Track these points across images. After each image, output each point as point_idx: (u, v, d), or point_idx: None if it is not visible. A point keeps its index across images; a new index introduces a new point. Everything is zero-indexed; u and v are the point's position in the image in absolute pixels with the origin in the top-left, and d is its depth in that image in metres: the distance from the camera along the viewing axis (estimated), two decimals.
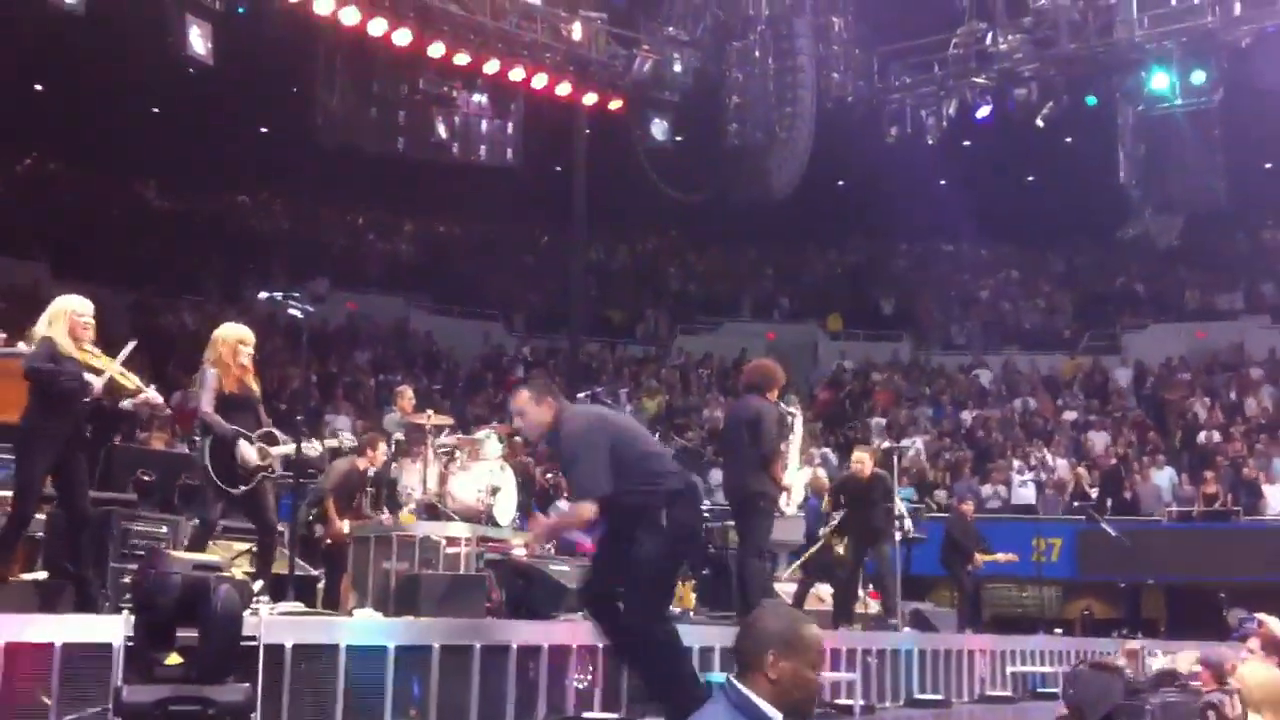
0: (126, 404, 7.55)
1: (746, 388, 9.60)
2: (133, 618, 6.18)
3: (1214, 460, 21.57)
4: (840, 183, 27.27)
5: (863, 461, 12.47)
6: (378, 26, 17.21)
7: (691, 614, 10.97)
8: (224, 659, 6.11)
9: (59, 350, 7.16)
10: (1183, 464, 21.95)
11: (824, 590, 12.49)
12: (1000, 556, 14.51)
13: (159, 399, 7.74)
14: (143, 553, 7.53)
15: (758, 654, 3.43)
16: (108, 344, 7.60)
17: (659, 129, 21.51)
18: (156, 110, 23.75)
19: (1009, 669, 12.74)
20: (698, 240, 31.47)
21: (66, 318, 7.26)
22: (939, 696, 11.35)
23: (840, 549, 11.96)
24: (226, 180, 27.25)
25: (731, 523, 12.83)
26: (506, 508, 11.34)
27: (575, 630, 8.51)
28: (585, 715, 8.00)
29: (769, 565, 10.13)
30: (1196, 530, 20.12)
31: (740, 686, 3.42)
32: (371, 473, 10.72)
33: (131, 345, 7.74)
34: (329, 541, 9.79)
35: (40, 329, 7.28)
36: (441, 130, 19.40)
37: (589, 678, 8.20)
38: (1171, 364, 26.15)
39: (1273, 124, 22.28)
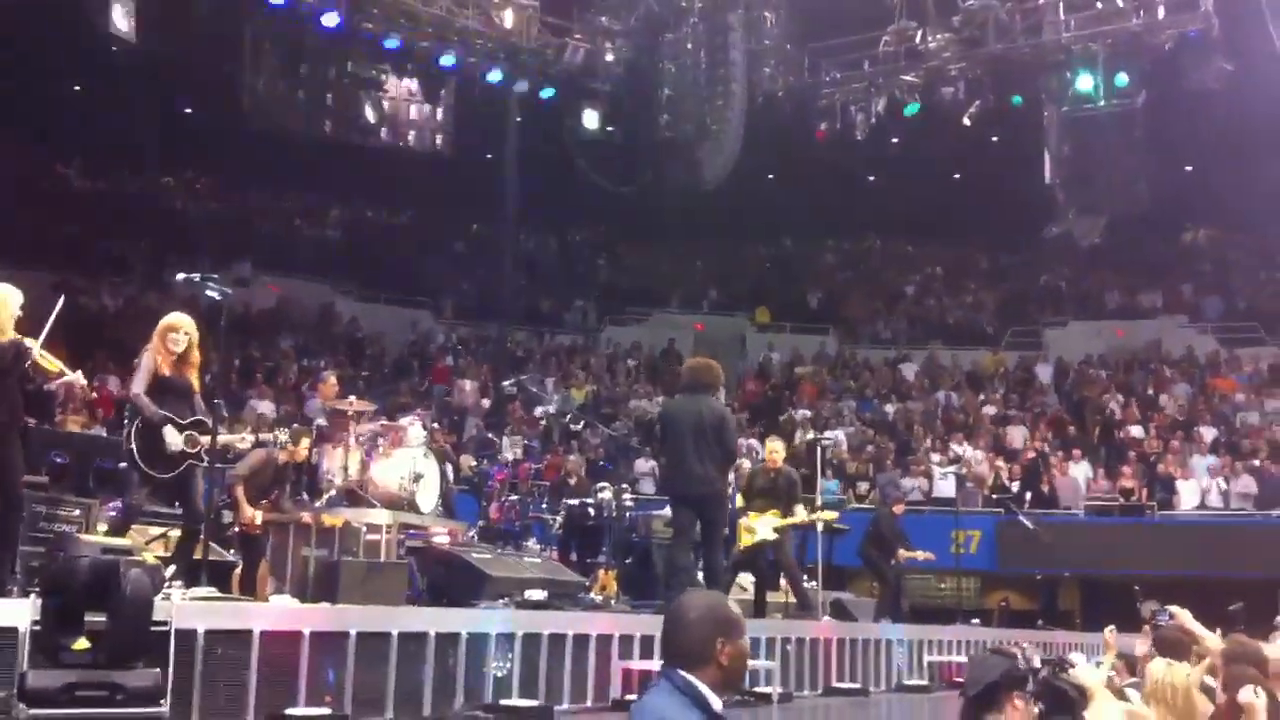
0: (50, 385, 7.43)
1: (699, 387, 9.63)
2: (40, 601, 6.07)
3: (1130, 456, 21.98)
4: (770, 176, 27.42)
5: (775, 452, 12.54)
6: (306, 7, 17.01)
7: (614, 602, 11.01)
8: (133, 644, 6.04)
9: None
10: (1100, 459, 22.34)
11: (745, 579, 12.57)
12: (920, 554, 14.70)
13: (82, 381, 7.64)
14: (51, 536, 7.39)
15: (705, 645, 3.46)
16: (31, 325, 7.44)
17: (590, 119, 21.54)
18: (78, 89, 23.29)
19: (926, 658, 12.92)
20: (627, 231, 31.50)
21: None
22: (857, 685, 11.48)
23: (752, 540, 11.99)
24: (151, 161, 26.77)
25: (657, 513, 12.99)
26: (429, 495, 11.27)
27: (494, 618, 8.51)
28: (503, 703, 7.99)
29: (697, 555, 10.19)
30: (1112, 524, 20.49)
31: (686, 675, 3.45)
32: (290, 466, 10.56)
33: (54, 314, 7.56)
34: (237, 529, 9.67)
35: None
36: (370, 114, 19.28)
37: (507, 665, 8.19)
38: (1091, 361, 26.60)
39: (1194, 127, 22.77)
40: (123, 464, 8.56)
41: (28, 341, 7.11)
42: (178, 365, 8.06)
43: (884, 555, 14.52)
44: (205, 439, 7.94)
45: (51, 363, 7.31)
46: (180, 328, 8.08)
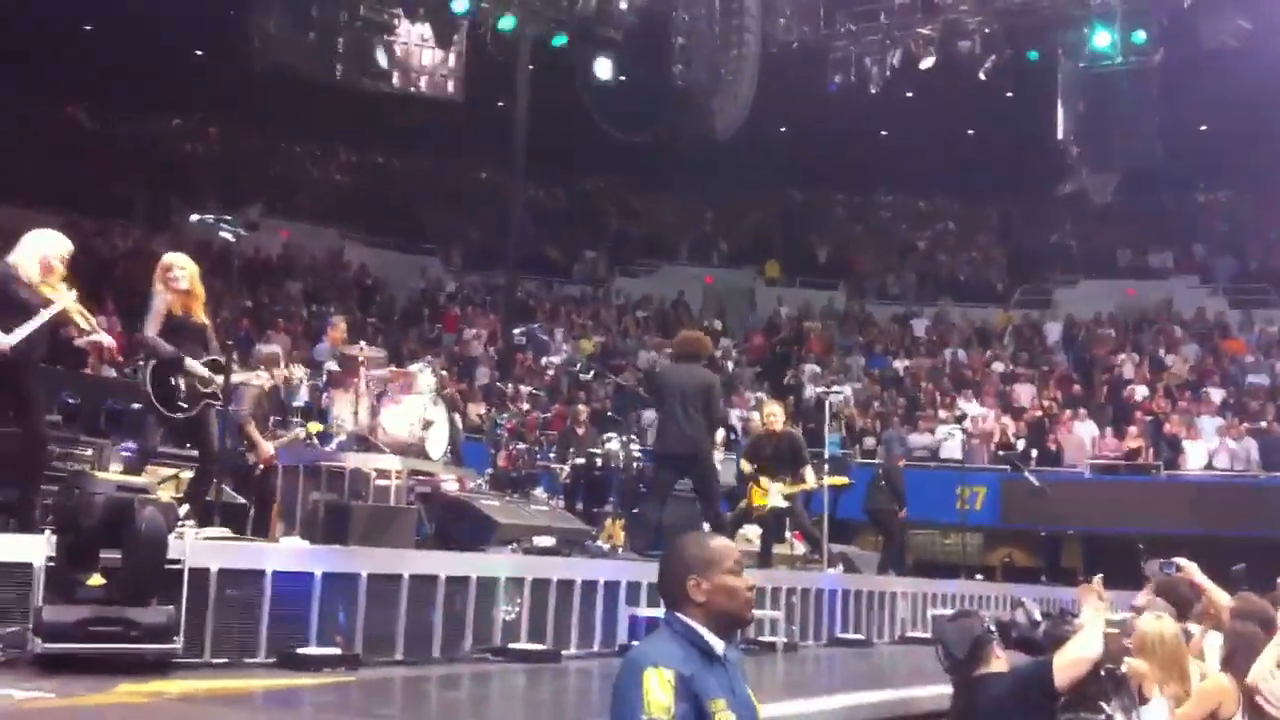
0: (79, 342, 7.44)
1: (689, 356, 10.41)
2: (55, 538, 6.11)
3: (1137, 416, 21.98)
4: (782, 129, 27.24)
5: (774, 415, 12.52)
6: None
7: (620, 550, 11.07)
8: (147, 581, 6.08)
9: (18, 275, 7.01)
10: (1107, 418, 22.33)
11: (751, 531, 12.62)
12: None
13: (110, 342, 7.60)
14: (65, 475, 7.42)
15: (680, 584, 3.52)
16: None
17: (603, 67, 21.36)
18: (89, 29, 23.13)
19: (929, 612, 13.00)
20: (638, 182, 31.36)
21: (39, 250, 7.12)
22: (861, 636, 11.56)
23: (764, 501, 12.03)
24: (160, 103, 26.63)
25: None
26: (438, 442, 11.30)
27: (503, 562, 8.57)
28: (511, 646, 8.06)
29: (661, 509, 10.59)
30: (1117, 483, 20.55)
31: (681, 617, 3.50)
32: (281, 391, 10.57)
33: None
34: (262, 467, 9.73)
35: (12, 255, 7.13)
36: (381, 59, 19.12)
37: (516, 609, 8.25)
38: (1100, 320, 26.54)
39: (1210, 86, 22.54)
40: (135, 405, 8.58)
41: (65, 292, 7.12)
42: (186, 303, 7.98)
43: (892, 508, 14.56)
44: (220, 378, 7.92)
45: (87, 319, 7.32)
46: (176, 264, 8.00)
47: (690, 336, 11.23)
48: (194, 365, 7.77)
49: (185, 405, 7.77)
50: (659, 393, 10.43)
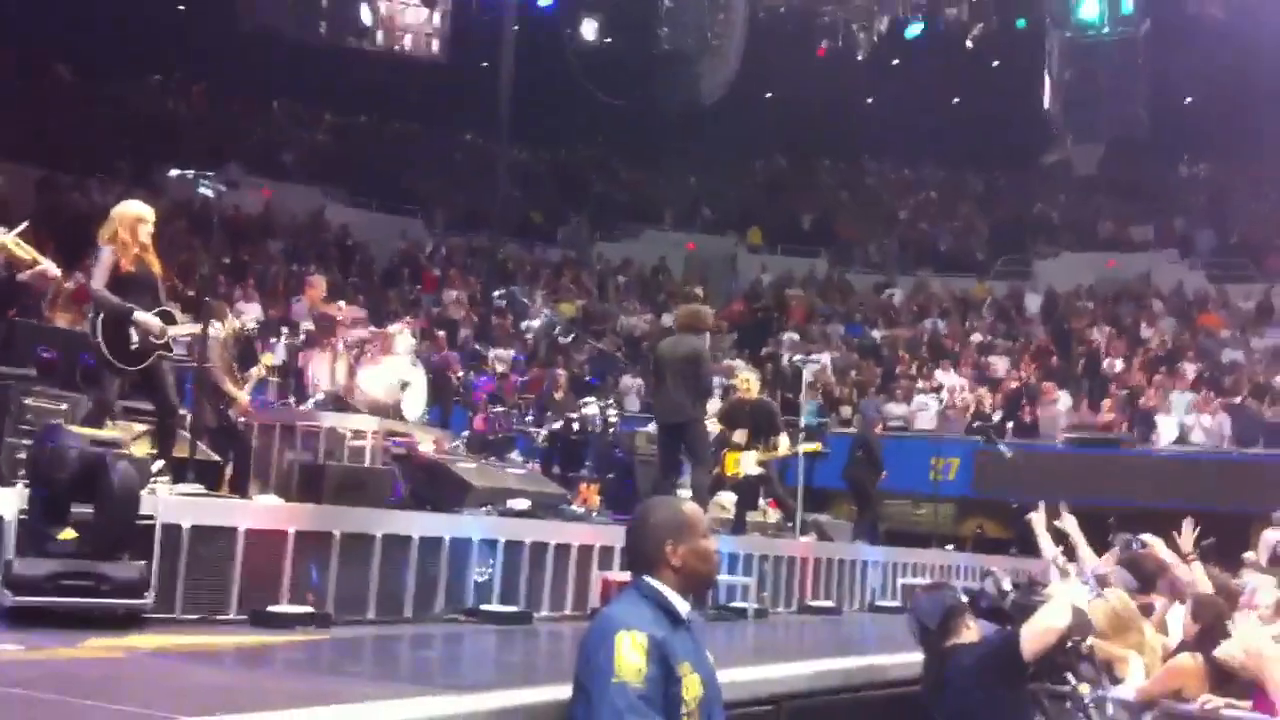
0: (23, 276, 7.36)
1: (684, 329, 10.59)
2: (27, 491, 6.11)
3: (1112, 389, 22.09)
4: (768, 94, 27.20)
5: (748, 383, 12.61)
6: None
7: (595, 514, 11.12)
8: (119, 536, 6.09)
9: None
10: (1082, 391, 22.45)
11: (726, 498, 12.69)
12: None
13: (56, 271, 7.49)
14: (38, 428, 7.40)
15: (657, 548, 3.60)
16: (13, 219, 7.39)
17: (589, 29, 21.33)
18: None
19: (900, 580, 13.10)
20: (622, 147, 31.28)
21: None
22: (831, 604, 11.65)
23: (737, 470, 12.12)
24: (141, 60, 26.41)
25: (644, 429, 13.15)
26: (416, 403, 11.33)
27: (477, 524, 8.60)
28: (483, 608, 8.10)
29: (676, 476, 10.56)
30: (1091, 455, 20.65)
31: (650, 580, 3.55)
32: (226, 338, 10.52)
33: (24, 224, 7.52)
34: (243, 419, 9.75)
35: None
36: (365, 17, 19.00)
37: (489, 571, 8.29)
38: (1079, 293, 26.62)
39: (1196, 58, 22.58)
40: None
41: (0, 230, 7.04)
42: (140, 256, 7.74)
43: (871, 478, 14.64)
44: (173, 330, 7.82)
45: (26, 250, 7.23)
46: (150, 218, 7.77)
47: (687, 309, 11.37)
48: (144, 317, 7.65)
49: (138, 357, 7.68)
50: (655, 364, 10.65)
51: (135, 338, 7.64)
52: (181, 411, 8.52)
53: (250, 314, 10.61)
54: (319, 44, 19.52)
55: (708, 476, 10.62)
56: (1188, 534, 7.13)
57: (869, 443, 14.88)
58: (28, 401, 7.86)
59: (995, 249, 29.24)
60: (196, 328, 8.60)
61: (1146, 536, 7.42)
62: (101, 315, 7.62)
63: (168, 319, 7.80)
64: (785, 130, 28.70)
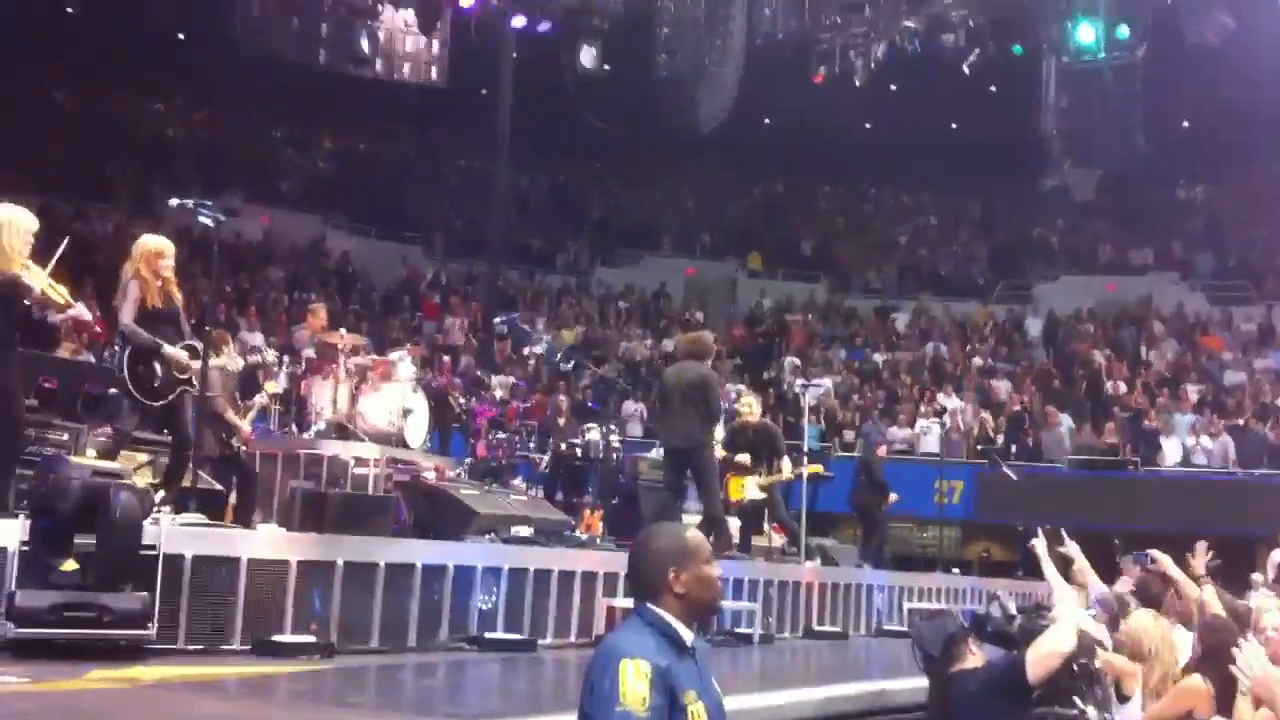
0: (55, 318, 7.34)
1: (691, 355, 10.58)
2: (29, 522, 6.08)
3: (1115, 412, 22.06)
4: (766, 120, 27.26)
5: (750, 406, 12.62)
6: None
7: (598, 541, 11.08)
8: (122, 566, 6.06)
9: None
10: (1085, 414, 22.41)
11: (730, 523, 12.63)
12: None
13: (87, 316, 7.51)
14: (40, 459, 7.37)
15: (660, 575, 3.55)
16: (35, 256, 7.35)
17: (588, 56, 21.33)
18: (70, 10, 22.99)
19: (906, 605, 13.03)
20: (621, 172, 31.33)
21: (9, 229, 7.00)
22: (837, 629, 11.59)
23: (740, 495, 12.09)
24: (141, 85, 26.47)
25: (647, 455, 13.14)
26: (418, 430, 11.29)
27: (480, 551, 8.56)
28: (487, 635, 8.06)
29: (681, 501, 10.51)
30: (1095, 478, 20.61)
31: (653, 608, 3.52)
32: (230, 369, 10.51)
33: (64, 245, 7.52)
34: (245, 448, 9.72)
35: None
36: (364, 44, 19.07)
37: (493, 599, 8.25)
38: (1080, 316, 26.62)
39: (1193, 83, 22.66)
40: (112, 390, 8.52)
41: (35, 271, 7.02)
42: (163, 291, 7.86)
43: (876, 501, 14.59)
44: (196, 364, 7.85)
45: (59, 294, 7.23)
46: (169, 253, 7.92)
47: (692, 336, 11.49)
48: (172, 352, 7.72)
49: (162, 392, 7.71)
50: (661, 391, 10.70)
51: (160, 373, 7.67)
52: None
53: (256, 342, 10.56)
54: (319, 70, 19.55)
55: (719, 505, 10.57)
56: (1201, 556, 7.06)
57: (871, 466, 14.83)
58: (30, 432, 7.84)
59: (995, 273, 29.27)
60: (224, 361, 8.71)
61: (1154, 552, 7.35)
62: (129, 350, 7.63)
63: (193, 353, 7.83)
64: (784, 156, 28.75)
